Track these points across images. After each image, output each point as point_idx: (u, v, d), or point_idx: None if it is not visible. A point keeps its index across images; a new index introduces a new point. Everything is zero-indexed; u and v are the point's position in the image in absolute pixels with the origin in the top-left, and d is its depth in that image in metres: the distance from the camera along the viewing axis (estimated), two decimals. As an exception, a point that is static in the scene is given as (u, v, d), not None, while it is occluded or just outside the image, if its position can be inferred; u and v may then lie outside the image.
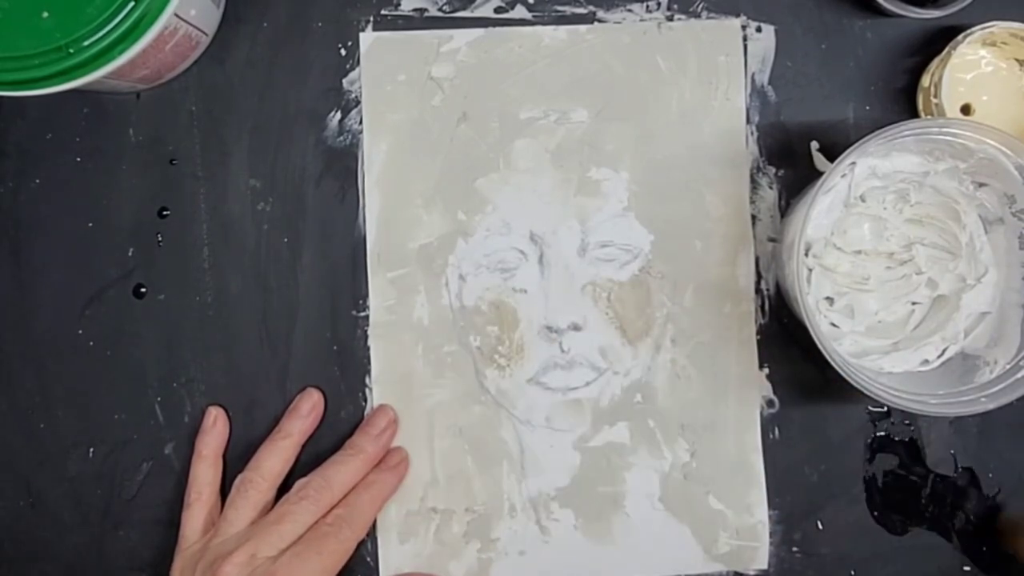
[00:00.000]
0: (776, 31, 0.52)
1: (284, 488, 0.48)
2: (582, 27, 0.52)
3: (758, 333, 0.52)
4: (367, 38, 0.51)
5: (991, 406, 0.45)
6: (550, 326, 0.51)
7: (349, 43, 0.51)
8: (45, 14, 0.40)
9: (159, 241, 0.51)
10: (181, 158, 0.51)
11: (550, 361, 0.51)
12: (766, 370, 0.51)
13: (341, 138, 0.51)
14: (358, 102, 0.51)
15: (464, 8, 0.52)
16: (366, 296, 0.51)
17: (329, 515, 0.46)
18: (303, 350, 0.51)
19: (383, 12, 0.51)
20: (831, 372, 0.44)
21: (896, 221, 0.49)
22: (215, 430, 0.50)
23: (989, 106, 0.51)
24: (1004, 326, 0.48)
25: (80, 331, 0.50)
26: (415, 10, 0.52)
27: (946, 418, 0.51)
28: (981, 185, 0.48)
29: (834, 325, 0.49)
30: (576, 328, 0.51)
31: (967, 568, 0.51)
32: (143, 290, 0.51)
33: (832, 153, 0.51)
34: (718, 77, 0.52)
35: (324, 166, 0.51)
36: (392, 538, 0.50)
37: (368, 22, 0.51)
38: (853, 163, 0.48)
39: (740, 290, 0.52)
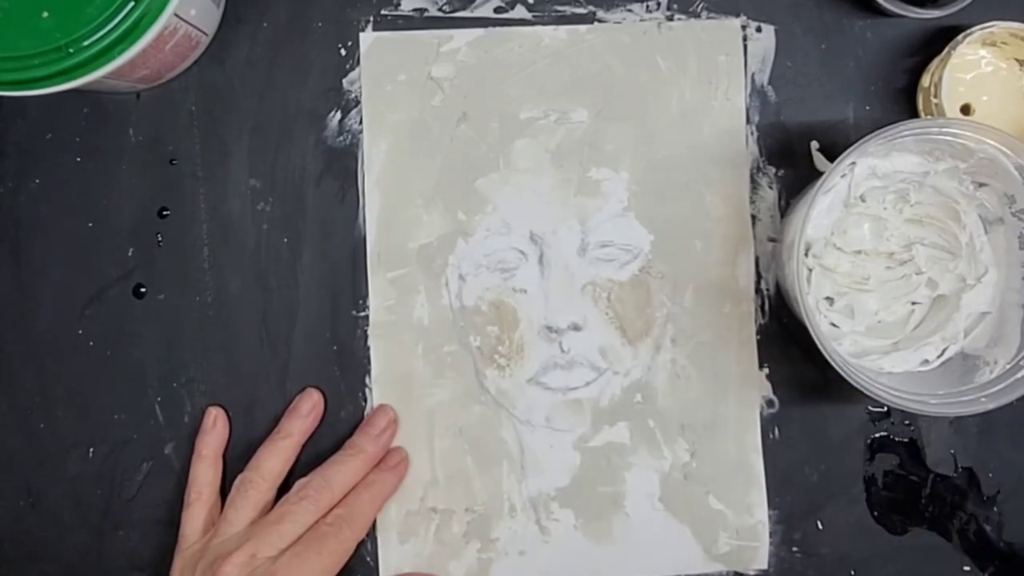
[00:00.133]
0: (776, 31, 0.52)
1: (284, 488, 0.48)
2: (582, 27, 0.52)
3: (758, 333, 0.52)
4: (367, 38, 0.51)
5: (991, 406, 0.45)
6: (550, 326, 0.51)
7: (349, 43, 0.51)
8: (45, 14, 0.40)
9: (159, 241, 0.51)
10: (181, 158, 0.51)
11: (550, 361, 0.51)
12: (766, 370, 0.51)
13: (341, 138, 0.51)
14: (358, 102, 0.51)
15: (464, 8, 0.52)
16: (366, 296, 0.51)
17: (329, 515, 0.47)
18: (303, 350, 0.51)
19: (383, 12, 0.51)
20: (831, 372, 0.44)
21: (896, 221, 0.49)
22: (215, 430, 0.50)
23: (989, 106, 0.51)
24: (1004, 326, 0.48)
25: (80, 331, 0.50)
26: (415, 10, 0.52)
27: (946, 418, 0.51)
28: (981, 185, 0.48)
29: (834, 325, 0.49)
30: (576, 328, 0.51)
31: (967, 568, 0.51)
32: (143, 290, 0.51)
33: (832, 153, 0.51)
34: (718, 77, 0.52)
35: (324, 166, 0.51)
36: (392, 538, 0.50)
37: (368, 22, 0.51)
38: (853, 163, 0.48)
39: (740, 290, 0.52)
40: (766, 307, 0.52)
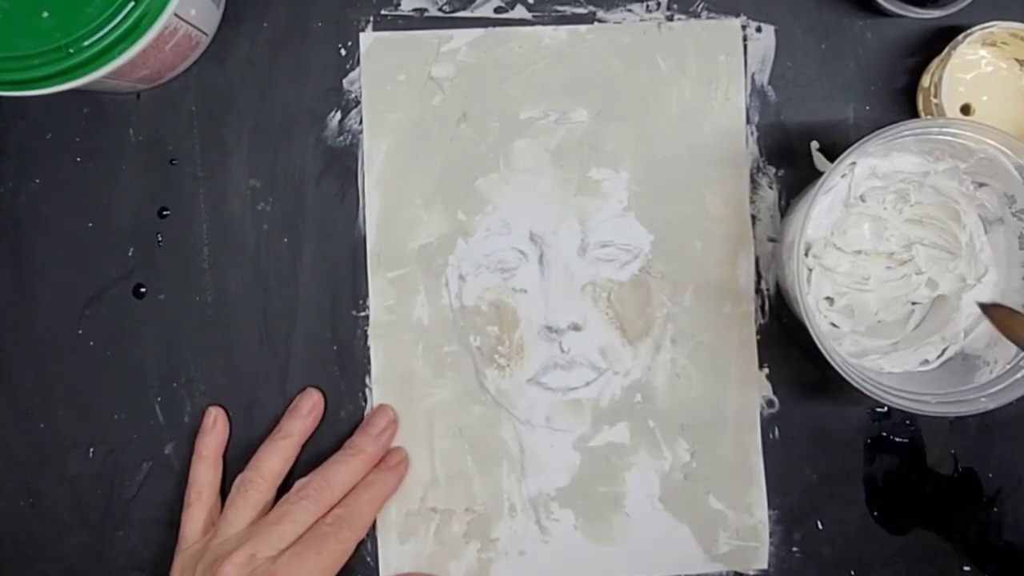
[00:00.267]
0: (776, 31, 0.52)
1: (284, 488, 0.48)
2: (582, 27, 0.52)
3: (758, 333, 0.52)
4: (367, 38, 0.51)
5: (991, 406, 0.45)
6: (550, 326, 0.51)
7: (349, 43, 0.51)
8: (45, 14, 0.40)
9: (159, 241, 0.51)
10: (181, 158, 0.51)
11: (550, 361, 0.51)
12: (766, 370, 0.51)
13: (341, 138, 0.51)
14: (358, 102, 0.51)
15: (464, 8, 0.52)
16: (366, 296, 0.51)
17: (329, 515, 0.47)
18: (303, 350, 0.51)
19: (383, 12, 0.51)
20: (831, 372, 0.44)
21: (896, 221, 0.49)
22: (215, 430, 0.50)
23: (989, 106, 0.51)
24: (1004, 326, 0.48)
25: (80, 331, 0.50)
26: (415, 10, 0.52)
27: (946, 418, 0.51)
28: (981, 185, 0.48)
29: (834, 325, 0.50)
30: (576, 328, 0.51)
31: (967, 568, 0.51)
32: (143, 290, 0.51)
33: (832, 153, 0.51)
34: (718, 77, 0.52)
35: (324, 166, 0.51)
36: (392, 538, 0.50)
37: (368, 22, 0.51)
38: (853, 163, 0.48)
39: (740, 290, 0.52)
40: (766, 307, 0.52)
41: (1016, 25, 0.48)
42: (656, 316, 0.51)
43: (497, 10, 0.52)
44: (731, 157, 0.52)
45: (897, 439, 0.52)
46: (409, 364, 0.51)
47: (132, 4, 0.41)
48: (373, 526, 0.50)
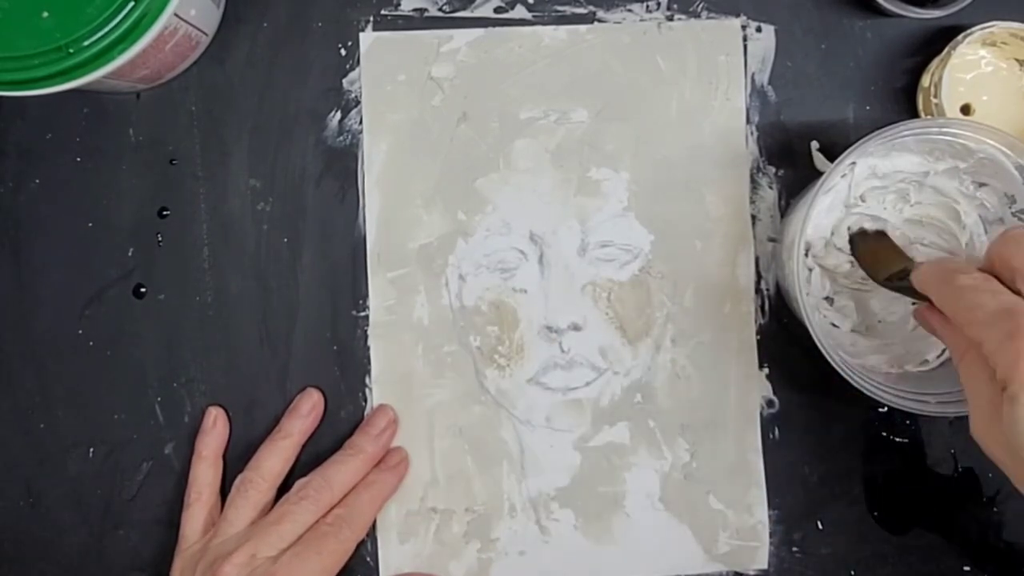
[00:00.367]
0: (776, 31, 0.52)
1: (284, 488, 0.48)
2: (582, 27, 0.52)
3: (758, 333, 0.52)
4: (367, 38, 0.51)
5: (991, 406, 0.45)
6: (550, 326, 0.51)
7: (349, 43, 0.51)
8: (45, 14, 0.40)
9: (159, 241, 0.51)
10: (181, 158, 0.51)
11: (550, 361, 0.51)
12: (766, 370, 0.51)
13: (341, 138, 0.51)
14: (358, 102, 0.51)
15: (464, 8, 0.52)
16: (366, 296, 0.51)
17: (329, 515, 0.47)
18: (303, 350, 0.51)
19: (383, 12, 0.51)
20: (831, 372, 0.44)
21: (896, 221, 0.49)
22: (215, 430, 0.50)
23: (989, 106, 0.51)
24: (1004, 326, 0.48)
25: (80, 331, 0.50)
26: (415, 10, 0.52)
27: (946, 418, 0.51)
28: (981, 185, 0.48)
29: (834, 325, 0.50)
30: (576, 328, 0.51)
31: (967, 568, 0.51)
32: (143, 290, 0.51)
33: (832, 153, 0.51)
34: (718, 77, 0.52)
35: (324, 166, 0.51)
36: (392, 538, 0.50)
37: (368, 22, 0.51)
38: (853, 163, 0.48)
39: (740, 290, 0.52)
40: (766, 307, 0.52)
41: (1016, 25, 0.48)
42: (656, 316, 0.51)
43: (497, 10, 0.52)
44: (731, 157, 0.52)
45: (897, 439, 0.52)
46: (409, 364, 0.51)
47: (132, 4, 0.41)
48: (373, 526, 0.50)
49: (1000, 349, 0.36)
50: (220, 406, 0.50)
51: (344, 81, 0.51)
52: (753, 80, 0.52)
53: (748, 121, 0.52)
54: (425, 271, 0.51)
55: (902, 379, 0.48)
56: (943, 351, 0.49)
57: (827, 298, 0.50)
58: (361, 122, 0.51)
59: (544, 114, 0.52)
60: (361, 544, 0.49)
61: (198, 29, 0.48)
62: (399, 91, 0.51)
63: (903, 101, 0.52)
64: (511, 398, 0.51)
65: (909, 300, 0.49)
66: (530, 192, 0.51)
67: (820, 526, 0.51)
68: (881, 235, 0.48)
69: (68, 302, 0.50)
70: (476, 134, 0.51)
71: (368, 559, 0.50)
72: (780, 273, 0.50)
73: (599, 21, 0.52)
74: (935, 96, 0.49)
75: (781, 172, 0.52)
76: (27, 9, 0.40)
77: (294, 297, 0.51)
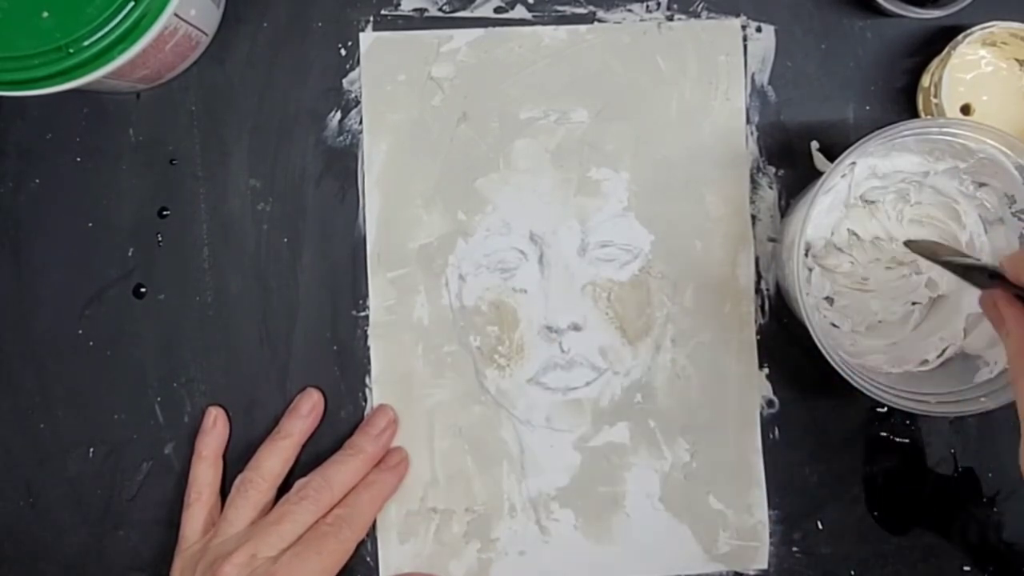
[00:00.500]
0: (776, 31, 0.52)
1: (284, 488, 0.48)
2: (582, 27, 0.52)
3: (758, 333, 0.52)
4: (367, 38, 0.51)
5: (991, 406, 0.45)
6: (550, 326, 0.51)
7: (349, 43, 0.51)
8: (45, 14, 0.40)
9: (159, 241, 0.51)
10: (181, 158, 0.51)
11: (550, 361, 0.51)
12: (766, 370, 0.51)
13: (341, 138, 0.51)
14: (358, 102, 0.51)
15: (464, 8, 0.52)
16: (366, 296, 0.51)
17: (329, 515, 0.47)
18: (303, 350, 0.51)
19: (383, 12, 0.51)
20: (831, 372, 0.44)
21: (896, 221, 0.49)
22: (215, 430, 0.50)
23: (989, 106, 0.51)
24: (1004, 326, 0.48)
25: (80, 331, 0.50)
26: (415, 10, 0.52)
27: (946, 418, 0.51)
28: (981, 185, 0.48)
29: (834, 325, 0.50)
30: (576, 328, 0.51)
31: (967, 568, 0.51)
32: (143, 290, 0.51)
33: (832, 153, 0.51)
34: (718, 77, 0.52)
35: (324, 166, 0.51)
36: (392, 538, 0.50)
37: (368, 22, 0.51)
38: (853, 163, 0.48)
39: (740, 290, 0.52)
40: (766, 307, 0.52)
41: (1016, 25, 0.48)
42: (656, 316, 0.51)
43: (497, 10, 0.52)
44: (731, 157, 0.52)
45: (897, 439, 0.52)
46: (409, 364, 0.51)
47: (132, 4, 0.40)
48: (373, 526, 0.50)
49: None
50: (220, 406, 0.50)
51: (344, 81, 0.51)
52: (753, 80, 0.52)
53: (748, 121, 0.52)
54: (425, 271, 0.51)
55: (902, 379, 0.48)
56: (943, 351, 0.49)
57: (827, 298, 0.50)
58: (361, 122, 0.51)
59: (544, 114, 0.52)
60: (361, 544, 0.49)
61: (198, 29, 0.48)
62: (399, 91, 0.51)
63: (903, 101, 0.52)
64: (511, 398, 0.51)
65: (910, 300, 0.49)
66: (530, 192, 0.51)
67: (820, 526, 0.51)
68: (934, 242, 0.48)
69: (68, 302, 0.50)
70: (476, 134, 0.51)
71: (368, 559, 0.50)
72: (780, 273, 0.50)
73: (599, 21, 0.52)
74: (935, 96, 0.49)
75: (781, 172, 0.52)
76: (27, 9, 0.40)
77: (294, 297, 0.51)
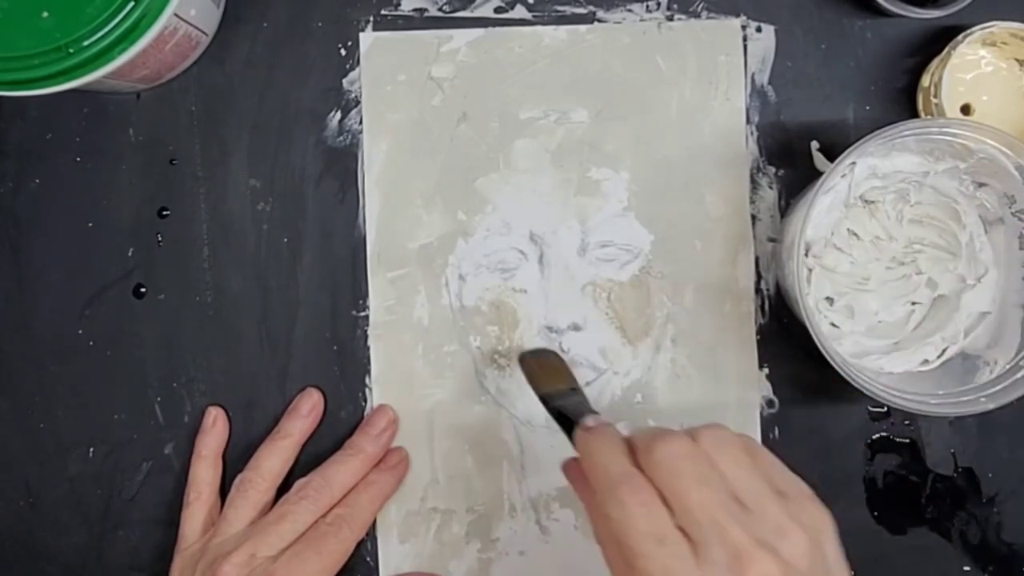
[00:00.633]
0: (776, 31, 0.52)
1: (284, 488, 0.48)
2: (582, 27, 0.52)
3: (758, 333, 0.52)
4: (367, 38, 0.51)
5: (991, 406, 0.45)
6: (550, 326, 0.51)
7: (349, 43, 0.51)
8: (45, 14, 0.40)
9: (159, 241, 0.51)
10: (181, 158, 0.51)
11: (550, 361, 0.51)
12: (766, 370, 0.51)
13: (341, 138, 0.51)
14: (358, 102, 0.51)
15: (464, 8, 0.52)
16: (366, 296, 0.51)
17: (329, 515, 0.47)
18: (303, 350, 0.51)
19: (383, 12, 0.51)
20: (831, 372, 0.44)
21: (896, 221, 0.49)
22: (215, 430, 0.50)
23: (989, 106, 0.51)
24: (1004, 326, 0.48)
25: (80, 331, 0.50)
26: (415, 10, 0.52)
27: (946, 418, 0.51)
28: (981, 185, 0.48)
29: (834, 325, 0.49)
30: (576, 328, 0.51)
31: (967, 568, 0.51)
32: (143, 290, 0.51)
33: (832, 153, 0.51)
34: (718, 77, 0.52)
35: (324, 166, 0.51)
36: (392, 538, 0.50)
37: (368, 22, 0.51)
38: (853, 163, 0.48)
39: (740, 290, 0.52)
40: (766, 307, 0.52)
41: (1016, 25, 0.48)
42: (656, 316, 0.51)
43: (497, 10, 0.52)
44: (731, 157, 0.52)
45: (897, 439, 0.52)
46: (409, 364, 0.51)
47: (132, 4, 0.40)
48: (373, 526, 0.50)
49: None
50: (220, 406, 0.50)
51: (344, 81, 0.51)
52: (753, 80, 0.52)
53: (748, 121, 0.52)
54: (425, 271, 0.51)
55: (902, 379, 0.48)
56: (943, 351, 0.49)
57: (827, 298, 0.50)
58: (361, 122, 0.51)
59: (544, 114, 0.52)
60: (361, 544, 0.49)
61: (198, 29, 0.48)
62: (399, 91, 0.51)
63: (903, 101, 0.52)
64: (511, 398, 0.51)
65: (910, 300, 0.49)
66: (530, 192, 0.51)
67: (820, 526, 0.51)
68: (550, 353, 0.49)
69: (68, 302, 0.50)
70: (476, 134, 0.51)
71: (368, 559, 0.50)
72: (780, 273, 0.50)
73: (599, 21, 0.52)
74: (935, 96, 0.49)
75: (781, 172, 0.52)
76: (27, 9, 0.40)
77: (294, 297, 0.51)
